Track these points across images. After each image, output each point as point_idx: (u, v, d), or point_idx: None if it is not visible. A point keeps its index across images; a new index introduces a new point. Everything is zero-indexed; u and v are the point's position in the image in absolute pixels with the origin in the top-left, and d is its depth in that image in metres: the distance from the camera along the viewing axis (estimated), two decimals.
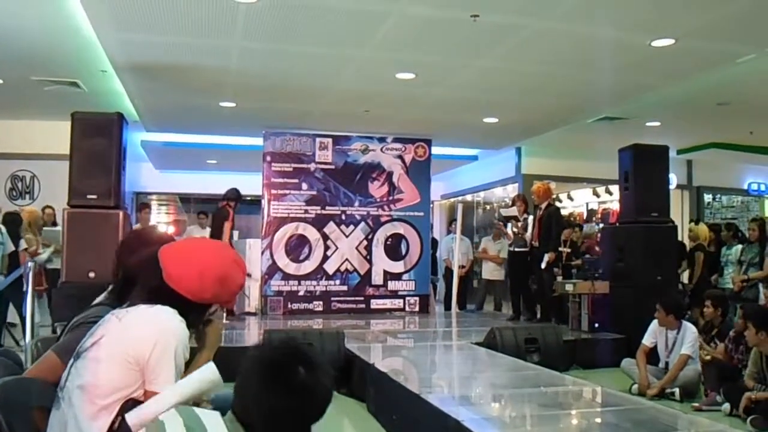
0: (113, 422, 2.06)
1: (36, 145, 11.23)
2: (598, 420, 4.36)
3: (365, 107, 10.04)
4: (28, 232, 8.77)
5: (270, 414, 1.79)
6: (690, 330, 6.55)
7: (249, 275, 11.11)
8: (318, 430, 1.78)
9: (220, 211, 10.34)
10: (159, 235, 3.19)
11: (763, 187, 15.67)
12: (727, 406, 5.65)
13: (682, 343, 6.47)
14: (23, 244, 8.66)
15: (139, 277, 2.37)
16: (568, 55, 7.48)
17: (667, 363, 6.59)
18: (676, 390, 6.25)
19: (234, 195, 10.36)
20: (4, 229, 8.34)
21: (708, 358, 6.36)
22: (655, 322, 6.73)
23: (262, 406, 1.79)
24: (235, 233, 14.06)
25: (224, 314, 8.75)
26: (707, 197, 15.51)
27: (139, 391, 2.11)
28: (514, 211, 10.42)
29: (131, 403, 2.08)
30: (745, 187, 15.56)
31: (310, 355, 1.87)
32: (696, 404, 6.03)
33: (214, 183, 15.81)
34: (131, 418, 2.04)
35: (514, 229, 10.07)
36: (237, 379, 1.86)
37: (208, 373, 2.13)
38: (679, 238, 10.14)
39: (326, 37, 7.02)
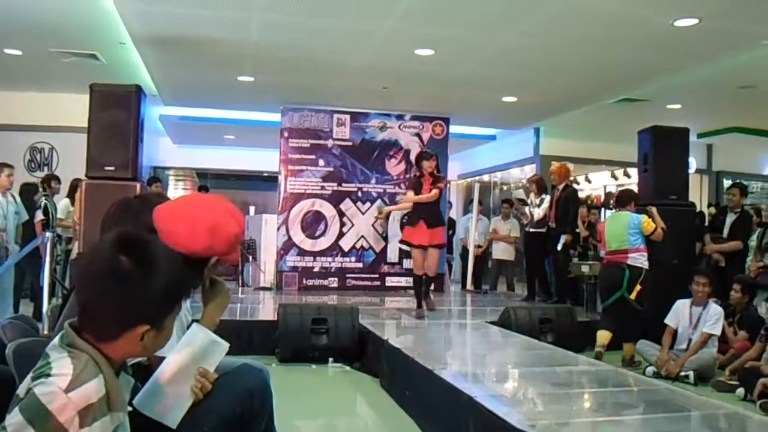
0: None
1: (55, 117, 11.29)
2: (611, 400, 4.34)
3: (383, 84, 9.99)
4: None
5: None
6: (714, 309, 6.51)
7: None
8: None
9: None
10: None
11: None
12: (741, 390, 5.62)
13: (706, 321, 6.44)
14: (39, 215, 8.73)
15: None
16: (590, 33, 7.39)
17: (689, 340, 6.54)
18: (691, 373, 6.20)
19: None
20: (19, 199, 8.40)
21: None
22: (678, 302, 6.69)
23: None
24: (251, 208, 14.16)
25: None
26: (727, 183, 15.30)
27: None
28: (521, 194, 10.36)
29: (136, 368, 2.08)
30: (766, 173, 15.36)
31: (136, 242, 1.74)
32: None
33: (231, 158, 15.92)
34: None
35: (531, 210, 10.00)
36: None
37: (203, 336, 2.15)
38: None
39: (345, 9, 6.99)
